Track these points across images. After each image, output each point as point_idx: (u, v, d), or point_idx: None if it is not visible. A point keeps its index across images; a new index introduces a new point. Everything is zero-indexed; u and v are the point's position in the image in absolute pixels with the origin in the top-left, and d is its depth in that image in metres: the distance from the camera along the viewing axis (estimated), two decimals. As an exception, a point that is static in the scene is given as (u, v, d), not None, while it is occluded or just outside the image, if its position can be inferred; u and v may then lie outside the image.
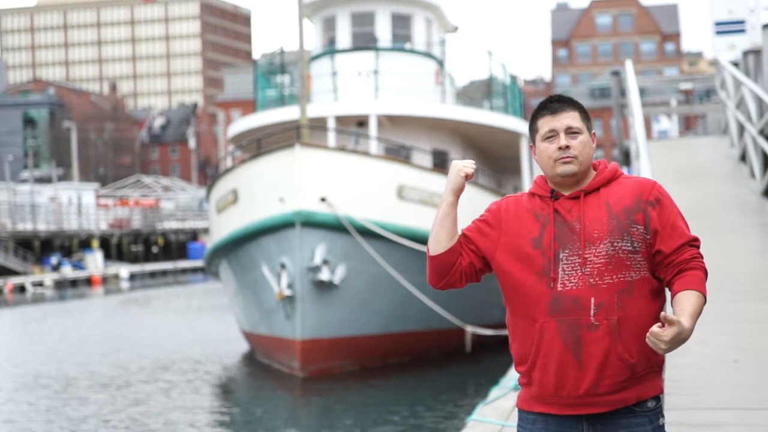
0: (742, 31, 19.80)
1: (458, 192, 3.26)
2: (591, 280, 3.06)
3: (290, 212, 17.42)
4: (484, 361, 19.33)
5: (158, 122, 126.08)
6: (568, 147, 3.15)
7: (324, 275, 17.41)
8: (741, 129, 15.22)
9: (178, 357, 21.61)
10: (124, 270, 54.28)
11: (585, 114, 3.24)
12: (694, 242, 3.16)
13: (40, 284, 47.45)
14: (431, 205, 18.91)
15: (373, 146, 21.20)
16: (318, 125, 20.70)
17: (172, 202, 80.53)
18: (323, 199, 17.56)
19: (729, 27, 19.85)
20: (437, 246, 3.24)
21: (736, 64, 17.86)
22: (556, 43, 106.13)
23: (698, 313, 3.05)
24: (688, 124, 49.27)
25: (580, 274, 3.07)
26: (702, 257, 3.16)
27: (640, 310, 3.09)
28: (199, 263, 52.80)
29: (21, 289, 45.99)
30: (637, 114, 13.82)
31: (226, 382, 19.21)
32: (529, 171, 24.13)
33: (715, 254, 9.87)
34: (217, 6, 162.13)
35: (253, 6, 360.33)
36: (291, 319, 17.81)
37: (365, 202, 18.01)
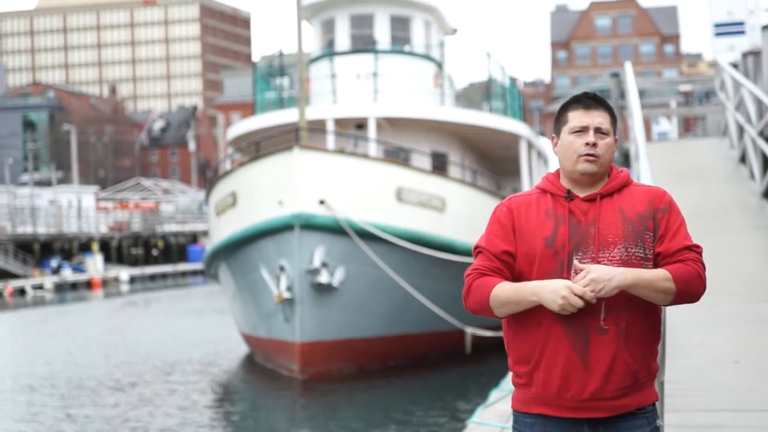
0: (742, 32, 19.78)
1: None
2: None
3: (289, 215, 17.41)
4: (483, 363, 19.30)
5: (158, 125, 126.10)
6: (595, 144, 3.14)
7: (323, 278, 17.39)
8: (740, 130, 15.19)
9: (177, 360, 21.58)
10: (124, 273, 54.25)
11: (614, 118, 3.24)
12: (695, 248, 3.16)
13: (40, 287, 47.42)
14: (430, 207, 18.90)
15: (372, 148, 21.18)
16: (317, 128, 20.69)
17: (172, 204, 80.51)
18: (322, 202, 17.54)
19: (728, 28, 19.83)
20: (503, 311, 3.15)
21: (735, 66, 17.83)
22: (556, 45, 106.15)
23: (647, 276, 3.03)
24: (687, 126, 49.26)
25: None
26: (702, 264, 3.14)
27: (646, 317, 3.12)
28: (199, 266, 52.73)
29: (21, 292, 45.96)
30: (637, 116, 13.80)
31: (226, 384, 19.18)
32: (528, 173, 24.11)
33: (715, 256, 9.84)
34: (217, 9, 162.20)
35: (253, 8, 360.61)
36: (290, 322, 17.79)
37: (364, 204, 18.00)
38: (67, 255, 56.33)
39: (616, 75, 19.80)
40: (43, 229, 58.77)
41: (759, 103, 13.53)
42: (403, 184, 18.56)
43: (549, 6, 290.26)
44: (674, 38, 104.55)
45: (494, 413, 8.63)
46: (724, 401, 6.16)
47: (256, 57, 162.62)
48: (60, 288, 48.22)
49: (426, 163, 21.86)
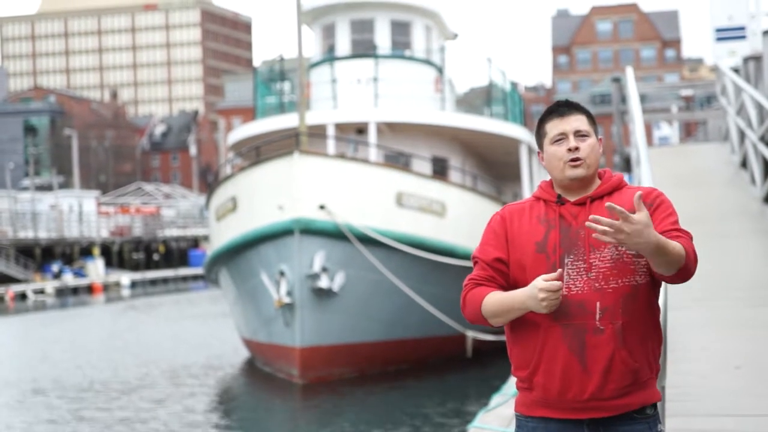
0: (743, 37, 19.77)
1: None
2: (596, 284, 3.07)
3: (289, 220, 17.40)
4: (485, 367, 19.28)
5: (159, 129, 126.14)
6: (577, 148, 3.16)
7: (323, 282, 17.38)
8: (742, 135, 15.18)
9: (178, 364, 21.56)
10: (125, 277, 54.26)
11: (592, 119, 3.26)
12: (686, 232, 3.15)
13: (41, 292, 47.42)
14: (430, 212, 18.89)
15: (373, 153, 21.18)
16: (317, 132, 20.68)
17: (173, 209, 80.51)
18: (322, 207, 17.53)
19: (729, 33, 19.82)
20: (497, 321, 3.17)
21: (736, 71, 17.81)
22: (557, 50, 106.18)
23: (671, 249, 2.99)
24: (688, 131, 49.24)
25: (585, 278, 3.08)
26: (692, 245, 3.12)
27: (644, 315, 3.12)
28: (200, 271, 52.72)
29: (22, 296, 45.97)
30: (638, 120, 13.79)
31: (226, 389, 19.17)
32: (529, 178, 24.10)
33: (716, 260, 9.83)
34: (218, 13, 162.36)
35: (254, 13, 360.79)
36: (290, 327, 17.77)
37: (364, 209, 17.99)
38: (68, 260, 56.33)
39: (617, 80, 19.81)
40: (44, 234, 58.78)
41: (760, 107, 13.51)
42: (403, 188, 18.55)
43: (550, 10, 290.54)
44: (675, 43, 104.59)
45: (496, 417, 8.60)
46: (726, 406, 6.15)
47: (257, 61, 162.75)
48: (61, 293, 48.21)
49: (426, 167, 21.85)
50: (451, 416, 15.04)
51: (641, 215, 2.93)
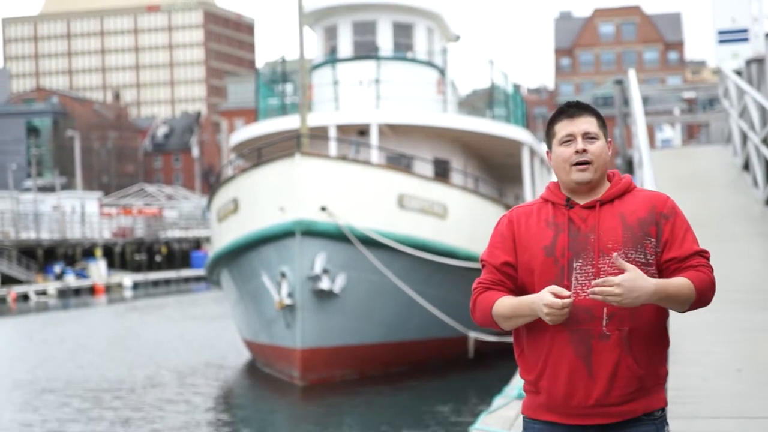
0: (745, 39, 19.75)
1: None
2: None
3: (290, 221, 17.39)
4: (487, 369, 19.25)
5: (161, 131, 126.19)
6: (585, 151, 3.15)
7: (324, 284, 17.37)
8: (744, 138, 15.16)
9: (179, 365, 21.56)
10: (127, 279, 54.27)
11: (602, 121, 3.25)
12: (704, 253, 3.16)
13: (43, 293, 47.44)
14: (432, 213, 18.88)
15: (374, 155, 21.16)
16: (319, 134, 20.68)
17: (176, 210, 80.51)
18: (323, 208, 17.52)
19: (732, 35, 19.80)
20: (508, 325, 3.17)
21: (739, 73, 17.79)
22: (560, 52, 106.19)
23: (674, 290, 3.03)
24: (691, 133, 49.22)
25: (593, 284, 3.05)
26: (711, 268, 3.15)
27: (651, 322, 3.11)
28: (202, 272, 52.74)
29: (24, 297, 45.99)
30: (640, 123, 13.79)
31: (227, 390, 19.16)
32: (531, 180, 24.08)
33: (718, 263, 9.76)
34: (221, 15, 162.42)
35: (257, 15, 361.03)
36: (291, 328, 17.76)
37: (366, 211, 17.97)
38: (70, 261, 56.35)
39: (619, 82, 19.78)
40: (46, 235, 58.80)
41: (762, 110, 13.49)
42: (405, 190, 18.54)
43: (553, 13, 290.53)
44: (678, 45, 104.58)
45: (498, 419, 8.56)
46: (727, 409, 6.15)
47: (260, 63, 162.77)
48: (63, 294, 48.23)
49: (428, 169, 21.83)
50: (453, 418, 15.02)
51: (627, 274, 2.95)
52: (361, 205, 17.96)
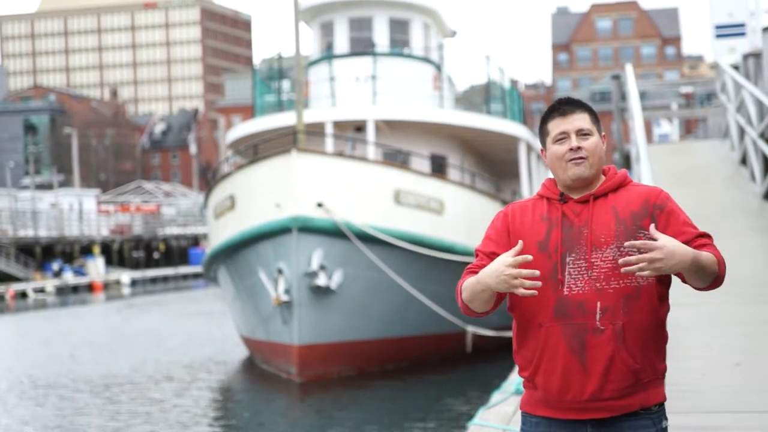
0: (743, 34, 19.76)
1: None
2: (597, 284, 3.04)
3: (287, 218, 17.37)
4: (484, 364, 19.25)
5: (159, 128, 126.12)
6: (579, 148, 3.13)
7: (321, 280, 17.36)
8: (741, 132, 15.15)
9: (177, 361, 21.55)
10: (125, 276, 54.25)
11: (595, 116, 3.23)
12: (707, 235, 3.17)
13: (41, 290, 47.41)
14: (428, 209, 18.87)
15: (371, 151, 21.14)
16: (315, 130, 20.65)
17: (174, 207, 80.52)
18: (320, 205, 17.50)
19: (729, 30, 19.82)
20: (476, 306, 3.12)
21: (736, 68, 17.79)
22: (557, 47, 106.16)
23: (705, 261, 3.01)
24: (688, 128, 49.24)
25: (586, 278, 3.05)
26: (719, 252, 3.14)
27: (646, 316, 3.08)
28: (200, 269, 52.75)
29: (23, 295, 45.95)
30: (638, 118, 13.77)
31: (225, 387, 19.15)
32: (528, 175, 24.06)
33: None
34: (218, 11, 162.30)
35: (253, 11, 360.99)
36: (288, 325, 17.75)
37: (362, 207, 17.95)
38: (68, 258, 56.33)
39: (617, 77, 19.76)
40: (44, 233, 58.79)
41: (760, 104, 13.48)
42: (402, 186, 18.52)
43: (550, 8, 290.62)
44: (675, 40, 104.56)
45: (496, 415, 8.54)
46: (726, 403, 6.14)
47: (257, 60, 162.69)
48: (61, 291, 48.21)
49: (425, 165, 21.82)
50: (451, 413, 15.01)
51: (665, 238, 2.92)
52: (357, 201, 17.95)
